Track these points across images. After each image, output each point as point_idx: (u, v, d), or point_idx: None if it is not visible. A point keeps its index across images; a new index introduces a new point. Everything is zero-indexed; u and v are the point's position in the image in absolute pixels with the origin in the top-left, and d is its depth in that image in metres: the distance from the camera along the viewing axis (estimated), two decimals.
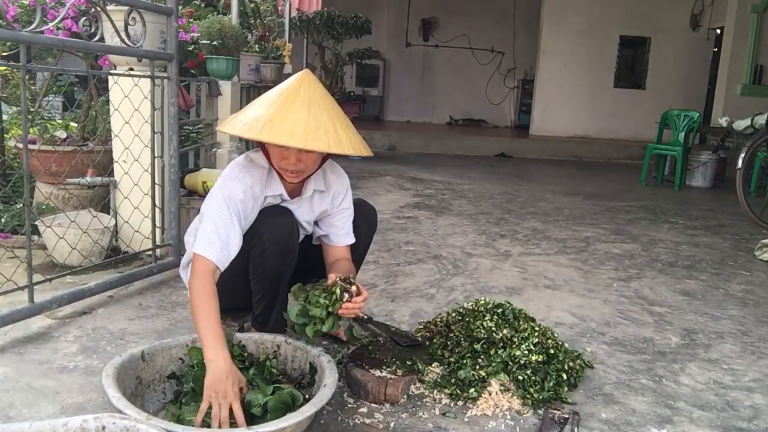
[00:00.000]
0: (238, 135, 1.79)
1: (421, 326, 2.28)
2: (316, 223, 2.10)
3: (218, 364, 1.55)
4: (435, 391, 1.88)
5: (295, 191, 1.98)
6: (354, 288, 1.80)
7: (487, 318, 2.11)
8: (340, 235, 2.07)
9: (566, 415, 1.76)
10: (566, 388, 1.91)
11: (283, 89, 1.77)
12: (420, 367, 1.96)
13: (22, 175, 2.20)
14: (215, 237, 1.76)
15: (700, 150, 7.18)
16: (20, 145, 2.76)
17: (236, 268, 1.91)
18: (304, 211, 2.02)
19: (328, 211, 2.05)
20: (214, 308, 1.66)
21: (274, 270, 1.92)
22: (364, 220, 2.15)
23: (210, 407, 1.52)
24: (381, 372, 1.88)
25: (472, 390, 1.84)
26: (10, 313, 2.09)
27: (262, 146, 1.91)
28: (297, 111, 1.70)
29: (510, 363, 1.92)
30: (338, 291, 1.77)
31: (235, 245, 1.81)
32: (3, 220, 3.14)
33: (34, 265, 2.26)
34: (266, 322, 2.01)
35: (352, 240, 2.09)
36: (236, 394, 1.53)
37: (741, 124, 6.44)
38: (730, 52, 8.59)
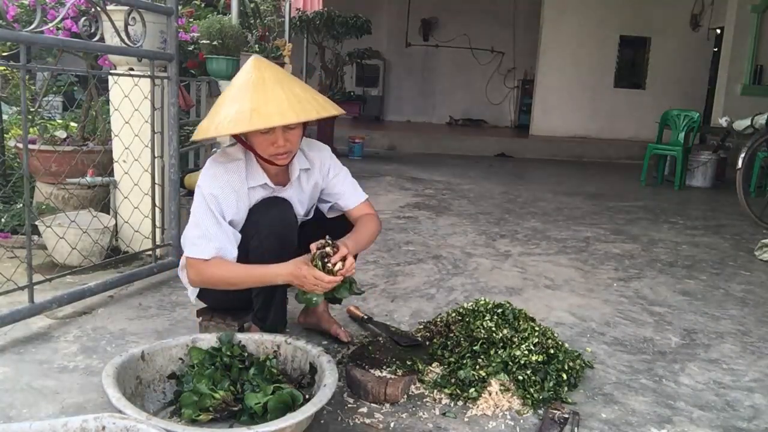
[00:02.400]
0: (226, 134, 1.80)
1: (421, 326, 2.28)
2: (317, 204, 2.12)
3: (283, 269, 1.78)
4: (435, 391, 1.88)
5: (279, 177, 1.97)
6: (330, 249, 1.77)
7: (487, 318, 2.11)
8: (348, 196, 2.08)
9: (566, 415, 1.76)
10: (566, 388, 1.91)
11: (246, 80, 1.79)
12: (420, 367, 1.96)
13: (22, 175, 2.20)
14: (202, 239, 1.82)
15: (700, 150, 7.17)
16: (20, 145, 2.76)
17: (240, 258, 1.92)
18: (295, 193, 2.02)
19: (320, 185, 2.07)
20: (234, 268, 1.83)
21: (273, 261, 1.90)
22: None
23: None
24: (381, 372, 1.88)
25: (472, 390, 1.84)
26: (10, 313, 2.09)
27: (240, 140, 1.91)
28: (273, 92, 1.73)
29: (510, 363, 1.92)
30: (319, 264, 1.75)
31: (226, 241, 1.83)
32: (3, 220, 3.14)
33: (34, 265, 2.27)
34: (266, 318, 2.01)
35: (363, 196, 2.11)
36: (309, 267, 1.74)
37: (741, 124, 6.44)
38: (730, 52, 8.59)
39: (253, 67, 1.81)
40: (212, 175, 1.86)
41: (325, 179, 2.07)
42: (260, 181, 1.92)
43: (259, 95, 1.73)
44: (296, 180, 2.00)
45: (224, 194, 1.84)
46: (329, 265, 1.75)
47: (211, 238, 1.82)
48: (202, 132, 1.83)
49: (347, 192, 2.09)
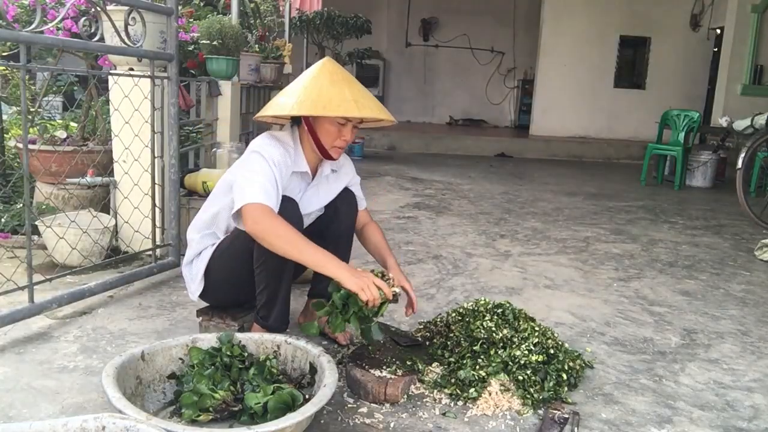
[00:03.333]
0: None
1: (421, 326, 2.28)
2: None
3: (344, 267, 1.77)
4: (435, 391, 1.88)
5: (312, 172, 2.08)
6: (390, 279, 1.93)
7: (487, 318, 2.11)
8: (358, 202, 2.25)
9: (566, 415, 1.76)
10: (566, 388, 1.91)
11: (332, 73, 1.91)
12: (420, 367, 1.96)
13: (22, 175, 2.20)
14: (269, 185, 1.82)
15: (700, 150, 7.17)
16: (20, 145, 2.76)
17: (240, 259, 1.92)
18: (321, 188, 2.11)
19: (344, 184, 2.21)
20: (303, 236, 1.79)
21: (279, 261, 1.90)
22: (345, 202, 2.20)
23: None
24: (381, 372, 1.88)
25: (472, 390, 1.84)
26: (10, 313, 2.09)
27: (308, 124, 1.97)
28: (364, 89, 1.92)
29: (510, 363, 1.92)
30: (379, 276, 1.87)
31: (279, 200, 1.87)
32: (3, 220, 3.14)
33: (34, 265, 2.27)
34: (268, 317, 2.01)
35: (365, 204, 2.29)
36: (370, 275, 1.80)
37: (741, 124, 6.44)
38: (730, 52, 8.59)
39: (332, 64, 1.96)
40: (271, 144, 1.92)
41: (351, 181, 2.24)
42: (303, 168, 2.01)
43: (354, 89, 1.88)
44: (325, 177, 2.10)
45: (282, 163, 1.90)
46: (391, 280, 1.91)
47: (272, 190, 1.84)
48: (293, 107, 1.86)
49: (359, 195, 2.26)
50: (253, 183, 1.81)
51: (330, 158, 2.03)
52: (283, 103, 1.91)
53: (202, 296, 2.14)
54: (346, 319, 1.86)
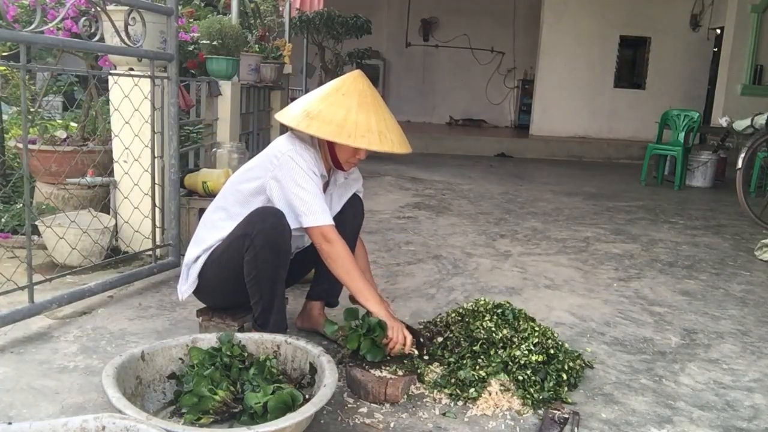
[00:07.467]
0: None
1: (421, 326, 2.28)
2: None
3: (384, 307, 1.94)
4: (435, 391, 1.88)
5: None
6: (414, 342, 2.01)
7: (486, 318, 2.11)
8: None
9: (566, 415, 1.76)
10: (566, 388, 1.91)
11: (362, 93, 1.93)
12: (420, 367, 1.96)
13: (22, 175, 2.20)
14: (323, 202, 1.94)
15: (700, 150, 7.17)
16: (20, 145, 2.76)
17: (236, 268, 1.92)
18: (334, 198, 2.16)
19: (353, 191, 2.28)
20: (358, 267, 1.97)
21: (269, 272, 1.93)
22: (351, 206, 2.24)
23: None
24: (381, 372, 1.88)
25: (472, 390, 1.84)
26: (10, 313, 2.09)
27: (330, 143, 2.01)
28: (390, 119, 1.97)
29: (510, 363, 1.92)
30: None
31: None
32: (3, 220, 3.14)
33: (34, 265, 2.27)
34: (266, 324, 2.01)
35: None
36: (402, 323, 1.97)
37: (741, 124, 6.43)
38: (730, 52, 8.59)
39: (364, 83, 1.97)
40: (304, 149, 1.96)
41: (357, 190, 2.29)
42: (321, 171, 2.04)
43: (380, 117, 1.92)
44: (336, 186, 2.16)
45: (315, 168, 1.97)
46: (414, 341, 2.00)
47: (326, 207, 1.95)
48: (318, 129, 1.87)
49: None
50: (313, 201, 1.91)
51: (341, 169, 2.08)
52: (308, 117, 1.90)
53: (200, 298, 2.14)
54: (360, 335, 1.89)
